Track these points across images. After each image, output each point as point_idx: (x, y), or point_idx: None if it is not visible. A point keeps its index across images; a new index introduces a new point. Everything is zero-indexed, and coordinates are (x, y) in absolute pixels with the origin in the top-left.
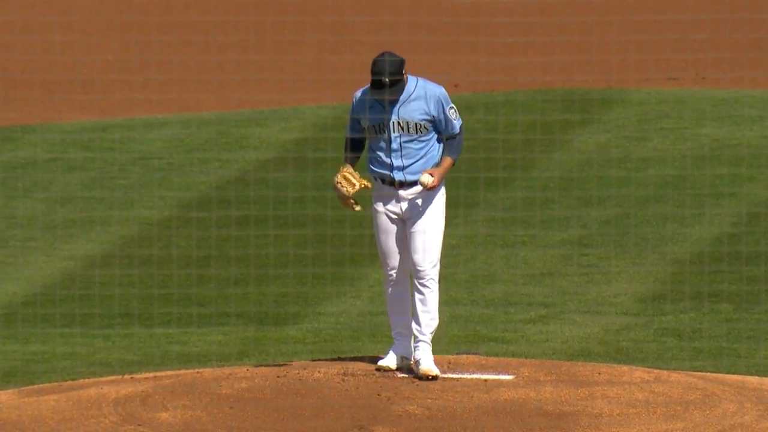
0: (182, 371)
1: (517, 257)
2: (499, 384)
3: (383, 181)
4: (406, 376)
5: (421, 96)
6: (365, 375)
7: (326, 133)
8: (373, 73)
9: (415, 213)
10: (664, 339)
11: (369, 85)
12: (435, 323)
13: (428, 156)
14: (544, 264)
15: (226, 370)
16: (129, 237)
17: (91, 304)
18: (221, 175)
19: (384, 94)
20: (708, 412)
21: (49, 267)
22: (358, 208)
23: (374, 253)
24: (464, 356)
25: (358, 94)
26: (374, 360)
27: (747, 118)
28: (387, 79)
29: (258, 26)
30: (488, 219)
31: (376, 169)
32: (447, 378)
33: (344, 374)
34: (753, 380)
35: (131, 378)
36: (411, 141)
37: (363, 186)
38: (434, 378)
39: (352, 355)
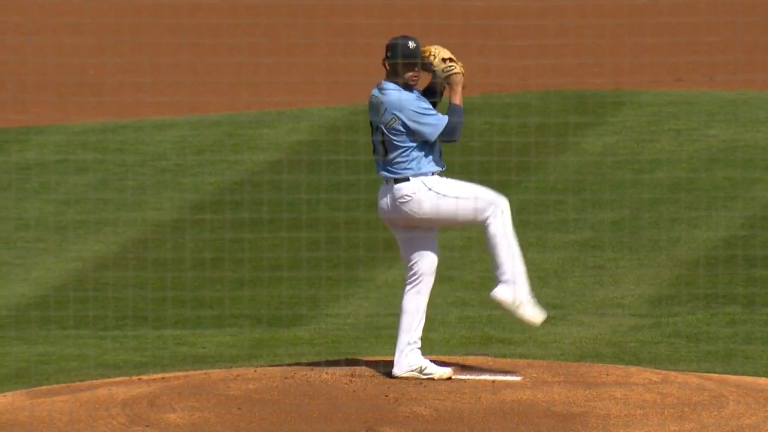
0: (191, 372)
1: (525, 259)
2: (507, 385)
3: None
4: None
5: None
6: (373, 376)
7: (334, 134)
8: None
9: None
10: (673, 340)
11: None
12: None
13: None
14: (553, 265)
15: (234, 372)
16: (138, 239)
17: (101, 306)
18: (230, 177)
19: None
20: (717, 413)
21: (58, 268)
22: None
23: (385, 255)
24: (472, 357)
25: None
26: (382, 361)
27: (756, 120)
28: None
29: (268, 28)
30: None
31: (438, 167)
32: (455, 379)
33: (352, 375)
34: (762, 382)
35: (140, 379)
36: None
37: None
38: (449, 378)
39: (360, 357)
